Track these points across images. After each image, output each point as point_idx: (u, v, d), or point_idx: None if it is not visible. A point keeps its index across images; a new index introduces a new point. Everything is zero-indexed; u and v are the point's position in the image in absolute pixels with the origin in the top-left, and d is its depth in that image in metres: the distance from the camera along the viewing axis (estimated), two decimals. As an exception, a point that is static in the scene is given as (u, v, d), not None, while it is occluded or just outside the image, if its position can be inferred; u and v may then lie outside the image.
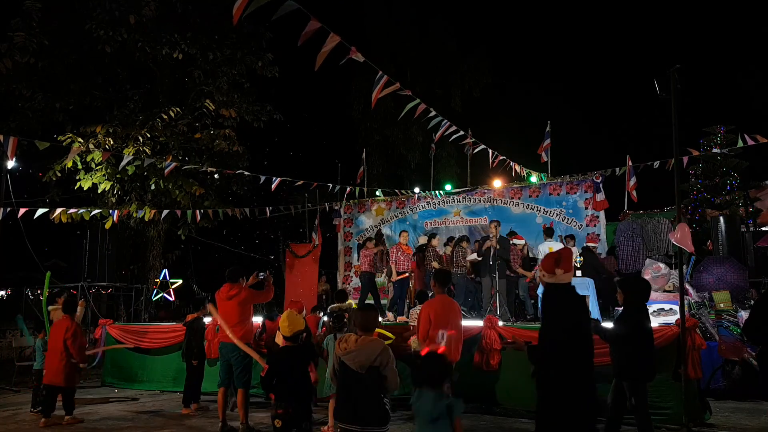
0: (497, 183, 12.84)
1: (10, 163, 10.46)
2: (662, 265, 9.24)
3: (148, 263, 14.41)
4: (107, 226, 11.90)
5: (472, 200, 13.22)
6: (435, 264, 10.38)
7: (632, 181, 11.00)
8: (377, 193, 14.35)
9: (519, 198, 12.64)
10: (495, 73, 23.54)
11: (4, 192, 10.43)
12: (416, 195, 13.86)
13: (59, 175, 12.22)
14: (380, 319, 7.69)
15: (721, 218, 11.62)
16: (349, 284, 14.07)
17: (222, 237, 20.78)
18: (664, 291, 9.08)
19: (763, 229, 14.64)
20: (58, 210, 10.71)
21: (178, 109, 12.56)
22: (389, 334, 6.82)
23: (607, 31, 31.51)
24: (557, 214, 12.08)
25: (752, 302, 8.68)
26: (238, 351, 6.31)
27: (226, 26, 13.04)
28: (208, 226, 13.87)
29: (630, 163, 10.99)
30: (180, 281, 12.70)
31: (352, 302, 9.09)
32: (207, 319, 8.39)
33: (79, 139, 11.66)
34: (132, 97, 13.32)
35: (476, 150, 10.54)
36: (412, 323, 7.67)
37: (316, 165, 22.93)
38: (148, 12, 11.88)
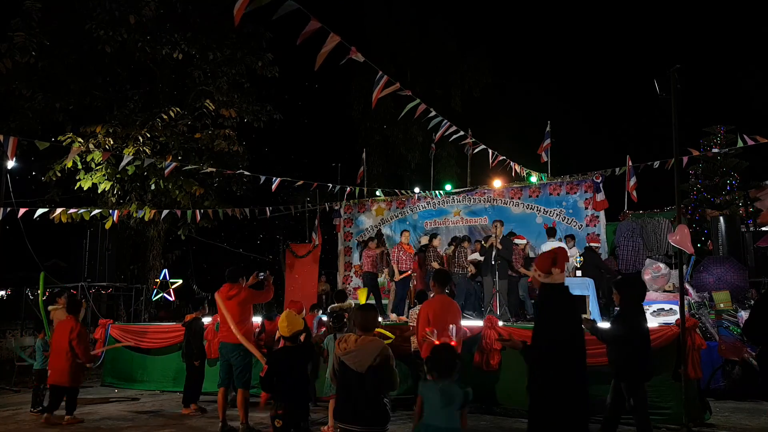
0: (497, 183, 12.84)
1: (10, 163, 10.47)
2: (662, 265, 9.23)
3: (148, 263, 14.43)
4: (107, 226, 11.90)
5: (472, 200, 13.22)
6: (435, 264, 10.38)
7: (632, 181, 10.99)
8: (377, 193, 14.35)
9: (519, 198, 12.64)
10: (495, 73, 23.55)
11: (4, 192, 10.44)
12: (416, 195, 13.84)
13: (59, 175, 12.23)
14: (380, 319, 7.69)
15: (721, 218, 11.63)
16: (349, 284, 14.06)
17: (222, 237, 20.82)
18: (664, 291, 9.08)
19: (763, 229, 14.63)
20: (58, 210, 10.72)
21: (178, 109, 12.57)
22: (389, 334, 6.79)
23: (607, 31, 31.45)
24: (557, 214, 12.07)
25: (752, 302, 8.69)
26: (238, 351, 6.32)
27: (226, 26, 13.03)
28: (208, 226, 13.87)
29: (630, 163, 10.98)
30: (180, 281, 12.68)
31: (352, 302, 9.08)
32: (206, 320, 8.39)
33: (79, 139, 11.67)
34: (132, 97, 13.32)
35: (476, 150, 10.53)
36: (411, 323, 7.66)
37: (316, 165, 22.99)
38: (148, 12, 11.88)
